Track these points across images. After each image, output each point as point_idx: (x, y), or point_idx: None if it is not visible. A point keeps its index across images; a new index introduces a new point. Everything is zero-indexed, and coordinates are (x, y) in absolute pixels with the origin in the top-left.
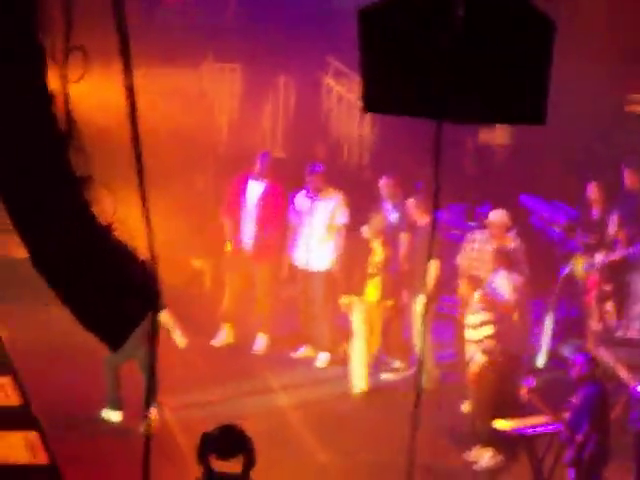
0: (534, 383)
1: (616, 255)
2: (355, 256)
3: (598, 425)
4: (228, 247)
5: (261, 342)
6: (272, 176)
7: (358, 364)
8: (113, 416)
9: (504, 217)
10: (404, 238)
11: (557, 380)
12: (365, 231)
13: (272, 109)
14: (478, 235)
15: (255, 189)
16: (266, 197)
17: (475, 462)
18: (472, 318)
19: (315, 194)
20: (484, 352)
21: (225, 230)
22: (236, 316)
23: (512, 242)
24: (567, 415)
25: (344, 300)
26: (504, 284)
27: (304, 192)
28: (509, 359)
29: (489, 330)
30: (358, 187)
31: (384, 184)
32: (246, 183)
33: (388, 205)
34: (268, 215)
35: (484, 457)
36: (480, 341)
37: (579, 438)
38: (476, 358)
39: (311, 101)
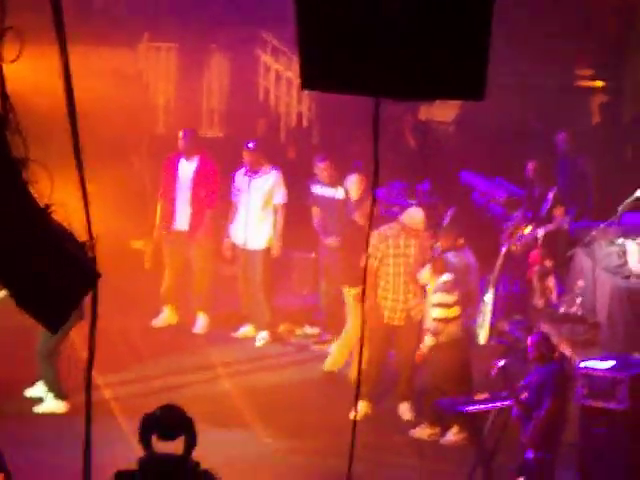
0: (503, 362)
1: (552, 227)
2: (356, 245)
3: (558, 403)
4: (165, 227)
5: (201, 322)
6: (203, 153)
7: (345, 348)
8: (58, 407)
9: (420, 218)
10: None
11: (498, 356)
12: (357, 218)
13: (209, 88)
14: (389, 231)
15: (186, 168)
16: (199, 175)
17: (419, 438)
18: (444, 297)
19: (252, 172)
20: (459, 330)
21: (160, 210)
22: (176, 297)
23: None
24: (525, 394)
25: (351, 291)
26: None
27: (242, 170)
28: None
29: (457, 311)
30: (296, 165)
31: (320, 167)
32: (177, 162)
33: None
34: (202, 193)
35: (451, 433)
36: (450, 320)
37: (539, 415)
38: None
39: (249, 80)
